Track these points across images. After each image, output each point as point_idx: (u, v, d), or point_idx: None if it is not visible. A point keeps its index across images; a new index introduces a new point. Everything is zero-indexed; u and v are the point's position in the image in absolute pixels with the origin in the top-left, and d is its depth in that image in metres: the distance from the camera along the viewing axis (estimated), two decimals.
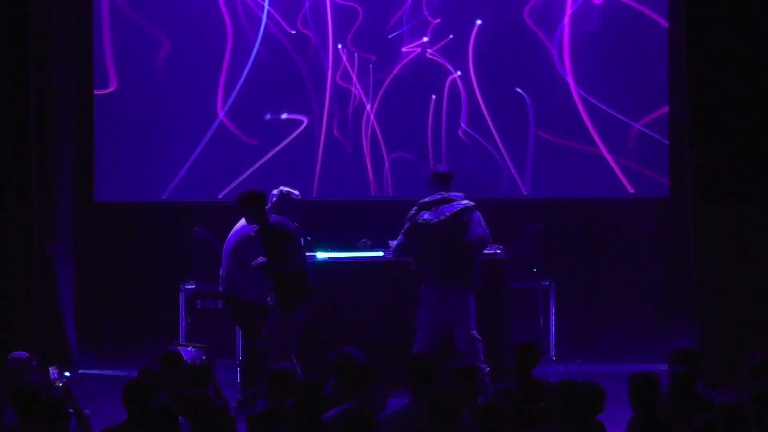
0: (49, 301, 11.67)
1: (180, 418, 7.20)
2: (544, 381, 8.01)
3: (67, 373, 10.47)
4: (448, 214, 10.38)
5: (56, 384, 8.25)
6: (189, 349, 9.88)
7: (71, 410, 8.11)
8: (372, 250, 11.58)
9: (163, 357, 8.38)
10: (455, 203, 10.44)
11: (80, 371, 11.87)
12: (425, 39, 12.61)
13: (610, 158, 12.64)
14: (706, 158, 11.02)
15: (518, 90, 12.64)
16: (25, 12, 11.30)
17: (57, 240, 11.82)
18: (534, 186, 12.70)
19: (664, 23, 12.49)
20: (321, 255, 11.46)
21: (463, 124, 12.65)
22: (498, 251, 11.39)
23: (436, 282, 10.38)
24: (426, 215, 10.40)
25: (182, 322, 11.84)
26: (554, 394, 6.90)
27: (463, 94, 12.64)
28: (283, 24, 12.58)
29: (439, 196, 10.46)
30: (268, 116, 12.63)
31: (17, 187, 11.31)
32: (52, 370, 8.44)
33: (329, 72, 12.65)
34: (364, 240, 11.74)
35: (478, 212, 10.56)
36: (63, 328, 11.84)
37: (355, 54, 12.62)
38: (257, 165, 12.59)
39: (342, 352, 8.18)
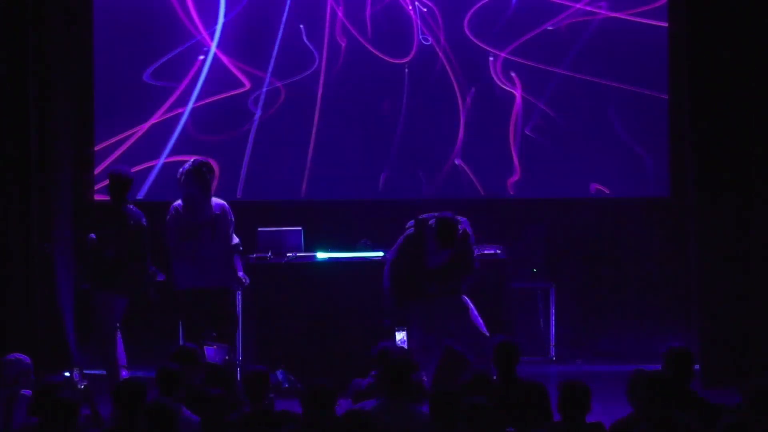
0: (49, 301, 11.66)
1: (194, 416, 7.20)
2: (525, 379, 8.05)
3: (67, 373, 10.46)
4: None
5: (78, 386, 8.25)
6: (212, 348, 9.86)
7: (89, 412, 8.14)
8: (372, 250, 11.58)
9: (180, 353, 8.36)
10: None
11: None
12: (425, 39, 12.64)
13: (610, 158, 12.64)
14: (706, 158, 11.02)
15: (514, 91, 12.64)
16: (25, 12, 11.30)
17: (57, 240, 11.81)
18: (534, 186, 12.70)
19: (665, 22, 12.49)
20: (321, 255, 11.47)
21: (465, 125, 12.66)
22: (498, 251, 11.39)
23: None
24: None
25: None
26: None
27: (467, 93, 12.65)
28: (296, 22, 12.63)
29: None
30: (267, 117, 12.67)
31: (17, 186, 11.32)
32: (75, 372, 8.44)
33: (323, 71, 12.67)
34: (364, 240, 11.75)
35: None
36: (63, 328, 11.83)
37: (350, 52, 12.65)
38: (254, 165, 12.60)
39: (383, 348, 8.33)
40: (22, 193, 11.34)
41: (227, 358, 9.68)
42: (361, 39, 12.63)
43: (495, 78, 12.66)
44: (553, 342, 12.32)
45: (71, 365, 11.65)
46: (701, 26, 10.96)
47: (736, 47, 10.91)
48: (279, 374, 10.13)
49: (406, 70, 12.65)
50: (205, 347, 9.15)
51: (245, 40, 12.63)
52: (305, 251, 11.53)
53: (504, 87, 12.66)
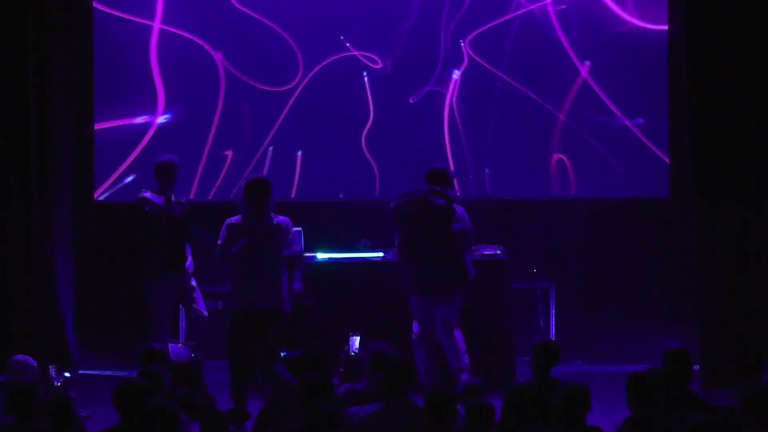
0: (49, 301, 11.67)
1: (182, 414, 7.18)
2: (561, 381, 8.03)
3: (67, 374, 10.45)
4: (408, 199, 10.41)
5: (54, 383, 8.24)
6: (177, 345, 9.83)
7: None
8: (372, 251, 11.59)
9: (147, 355, 8.36)
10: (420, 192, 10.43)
11: (80, 371, 11.85)
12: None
13: (610, 158, 12.64)
14: (706, 159, 11.02)
15: (514, 92, 12.65)
16: (25, 14, 11.31)
17: (57, 240, 11.81)
18: (534, 187, 12.70)
19: (664, 23, 12.50)
20: (321, 255, 11.47)
21: (463, 126, 12.67)
22: (498, 252, 11.38)
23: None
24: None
25: (182, 322, 11.82)
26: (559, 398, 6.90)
27: (466, 93, 12.67)
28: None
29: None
30: (267, 119, 12.70)
31: (17, 187, 11.32)
32: (51, 369, 8.44)
33: (321, 73, 12.69)
34: (364, 240, 11.75)
35: (459, 207, 10.49)
36: (63, 328, 11.83)
37: (353, 55, 12.66)
38: (253, 165, 12.62)
39: (377, 350, 8.31)
40: (22, 192, 11.34)
41: (193, 356, 9.66)
42: (356, 43, 12.66)
43: (494, 78, 12.66)
44: None
45: (71, 365, 11.66)
46: (701, 29, 10.96)
47: (736, 48, 10.91)
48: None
49: (404, 72, 12.67)
50: (170, 345, 9.11)
51: (241, 41, 12.65)
52: (305, 252, 11.53)
53: (503, 87, 12.66)
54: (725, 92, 10.93)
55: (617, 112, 12.59)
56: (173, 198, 10.93)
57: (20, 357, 8.67)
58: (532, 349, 8.10)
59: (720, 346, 10.97)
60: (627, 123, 12.57)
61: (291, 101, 12.68)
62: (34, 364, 8.63)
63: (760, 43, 10.91)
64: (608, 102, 12.59)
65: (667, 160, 12.52)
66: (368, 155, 12.67)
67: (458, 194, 10.47)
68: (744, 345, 10.93)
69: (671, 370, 7.65)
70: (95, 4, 12.50)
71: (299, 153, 12.67)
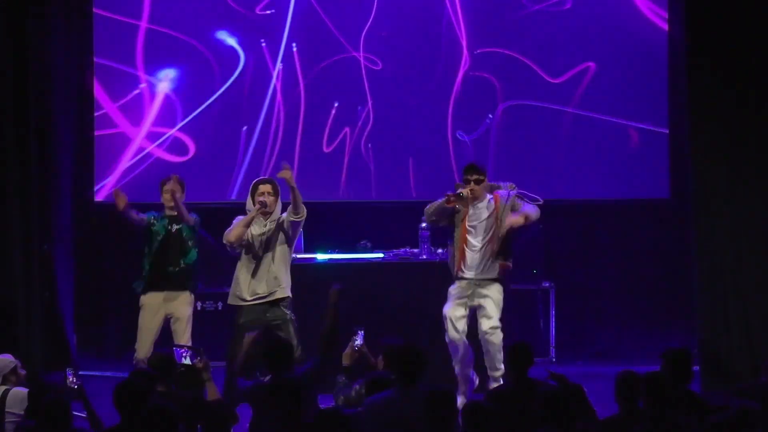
0: (49, 301, 11.66)
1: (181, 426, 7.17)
2: (539, 381, 8.03)
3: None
4: None
5: (72, 386, 8.25)
6: (183, 350, 9.85)
7: (80, 413, 8.12)
8: (372, 252, 11.59)
9: (155, 360, 8.35)
10: None
11: (80, 371, 11.83)
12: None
13: (610, 159, 12.65)
14: (706, 160, 11.02)
15: (520, 86, 12.66)
16: (25, 13, 11.32)
17: (57, 240, 11.81)
18: (534, 187, 12.70)
19: (664, 25, 12.51)
20: (321, 256, 11.47)
21: (461, 128, 12.68)
22: None
23: None
24: None
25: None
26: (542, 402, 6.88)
27: (462, 93, 12.68)
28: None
29: None
30: (267, 119, 12.70)
31: (17, 187, 11.32)
32: (68, 371, 8.45)
33: (316, 76, 12.70)
34: (364, 241, 11.75)
35: None
36: (63, 328, 11.83)
37: (359, 56, 12.67)
38: (252, 166, 12.63)
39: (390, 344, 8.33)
40: (22, 193, 11.34)
41: (198, 359, 9.67)
42: (357, 44, 12.67)
43: (491, 79, 12.67)
44: (552, 343, 12.32)
45: (71, 365, 11.64)
46: (701, 31, 10.96)
47: (736, 49, 10.91)
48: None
49: (404, 72, 12.68)
50: (175, 349, 9.13)
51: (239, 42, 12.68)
52: (305, 253, 11.54)
53: (499, 88, 12.67)
54: (725, 92, 10.93)
55: (618, 113, 12.61)
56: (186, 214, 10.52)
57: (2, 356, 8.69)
58: (507, 351, 8.05)
59: (720, 346, 10.96)
60: (628, 124, 12.59)
61: (290, 101, 12.70)
62: (10, 358, 8.63)
63: (760, 44, 10.91)
64: (609, 103, 12.62)
65: (668, 161, 12.54)
66: (368, 156, 12.68)
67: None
68: (744, 345, 10.93)
69: (671, 370, 7.64)
70: (95, 9, 12.54)
71: (298, 153, 12.69)
